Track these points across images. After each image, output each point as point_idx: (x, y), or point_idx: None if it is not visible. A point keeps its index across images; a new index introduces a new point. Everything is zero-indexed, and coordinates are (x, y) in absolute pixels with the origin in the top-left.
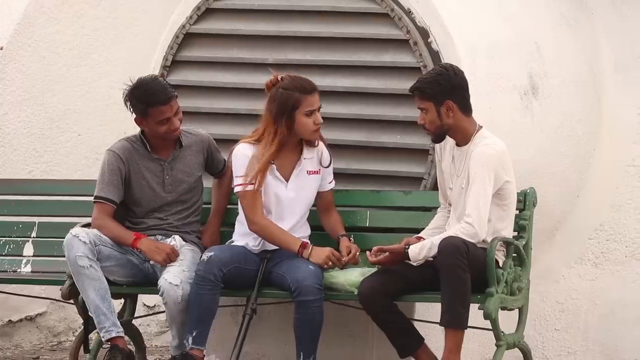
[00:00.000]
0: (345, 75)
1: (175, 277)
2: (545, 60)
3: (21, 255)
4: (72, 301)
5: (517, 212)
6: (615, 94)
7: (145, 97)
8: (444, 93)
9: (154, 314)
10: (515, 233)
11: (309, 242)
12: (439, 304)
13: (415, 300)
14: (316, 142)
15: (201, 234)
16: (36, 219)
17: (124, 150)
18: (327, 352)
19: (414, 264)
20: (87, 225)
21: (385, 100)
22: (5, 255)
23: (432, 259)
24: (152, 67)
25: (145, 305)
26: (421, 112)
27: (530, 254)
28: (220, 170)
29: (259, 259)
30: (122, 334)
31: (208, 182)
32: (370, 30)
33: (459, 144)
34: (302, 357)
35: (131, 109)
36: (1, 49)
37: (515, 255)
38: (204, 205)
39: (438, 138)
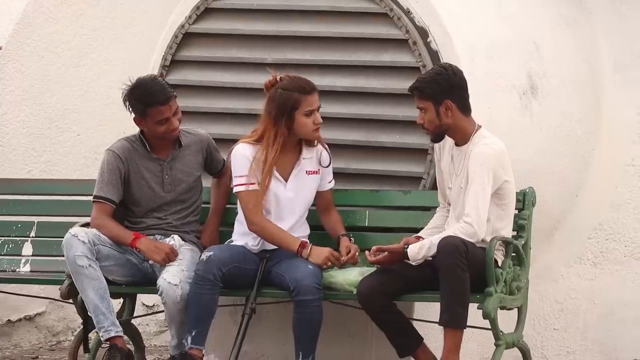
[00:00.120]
0: (344, 75)
1: (174, 277)
2: (544, 60)
3: (20, 255)
4: (71, 301)
5: (516, 211)
6: (615, 93)
7: (144, 97)
8: (443, 93)
9: (153, 313)
10: (515, 232)
11: (308, 241)
12: (438, 304)
13: (414, 299)
14: (315, 142)
15: (200, 234)
16: (35, 219)
17: (123, 150)
18: (326, 352)
19: (413, 263)
20: (86, 225)
21: (384, 99)
22: (4, 255)
23: (431, 258)
24: (151, 66)
25: (144, 304)
26: (420, 111)
27: (529, 254)
28: (219, 170)
29: (258, 259)
30: (121, 334)
31: (207, 182)
32: (369, 30)
33: (458, 143)
34: (301, 357)
35: (130, 109)
36: (0, 48)
37: (514, 254)
38: (203, 205)
39: (437, 138)
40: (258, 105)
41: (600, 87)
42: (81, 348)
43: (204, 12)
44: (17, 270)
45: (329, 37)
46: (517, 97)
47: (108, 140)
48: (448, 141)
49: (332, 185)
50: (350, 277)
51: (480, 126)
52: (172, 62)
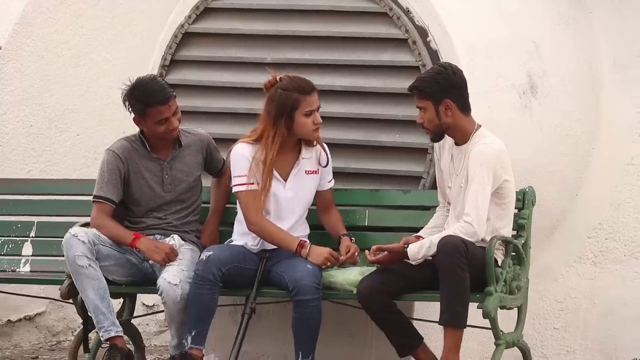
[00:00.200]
0: (343, 75)
1: (174, 277)
2: (544, 60)
3: (20, 255)
4: (71, 301)
5: (516, 211)
6: (614, 92)
7: (144, 97)
8: (443, 92)
9: (153, 313)
10: (514, 232)
11: (307, 241)
12: (438, 303)
13: (414, 299)
14: (314, 142)
15: (200, 234)
16: (35, 219)
17: (123, 149)
18: (326, 352)
19: (413, 263)
20: (86, 225)
21: (384, 99)
22: (4, 255)
23: (431, 258)
24: (150, 66)
25: (144, 304)
26: (420, 111)
27: (529, 253)
28: (219, 169)
29: (258, 259)
30: (121, 334)
31: (207, 182)
32: (368, 30)
33: (457, 143)
34: (300, 357)
35: (130, 109)
36: (0, 48)
37: (514, 254)
38: (202, 205)
39: (437, 137)
40: (258, 105)
41: (600, 87)
42: (81, 348)
43: (204, 12)
44: (17, 270)
45: (329, 36)
46: (516, 97)
47: (108, 140)
48: (448, 140)
49: (331, 184)
50: (350, 276)
51: (480, 125)
52: (172, 62)
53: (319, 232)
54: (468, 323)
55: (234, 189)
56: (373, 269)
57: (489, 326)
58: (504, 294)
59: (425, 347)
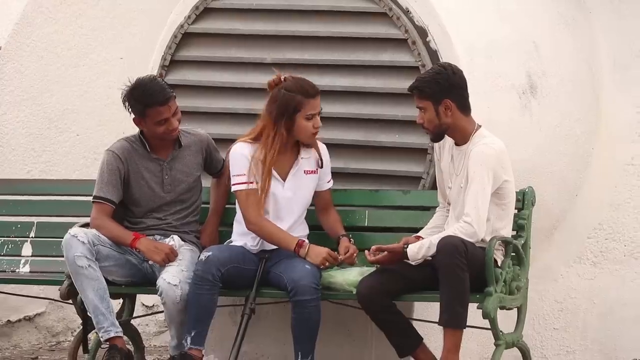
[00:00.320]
0: (343, 75)
1: (174, 277)
2: (544, 60)
3: (20, 255)
4: (70, 301)
5: (516, 211)
6: (614, 92)
7: (144, 97)
8: (442, 92)
9: (152, 313)
10: (514, 232)
11: (306, 240)
12: (438, 304)
13: (414, 299)
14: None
15: (200, 234)
16: (35, 219)
17: (123, 150)
18: (326, 352)
19: (413, 263)
20: (86, 225)
21: (383, 99)
22: (3, 256)
23: (430, 258)
24: (150, 67)
25: (144, 305)
26: (420, 111)
27: (529, 253)
28: (219, 170)
29: (257, 259)
30: (121, 334)
31: (207, 182)
32: (368, 30)
33: (457, 143)
34: (300, 357)
35: (129, 109)
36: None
37: (514, 254)
38: (202, 205)
39: (437, 137)
40: (257, 105)
41: (600, 86)
42: (81, 348)
43: (203, 12)
44: (17, 270)
45: (328, 36)
46: (516, 97)
47: (107, 141)
48: (448, 141)
49: (330, 185)
50: (349, 277)
51: (480, 126)
52: (172, 62)
53: (318, 232)
54: (468, 323)
55: (233, 188)
56: (373, 269)
57: (489, 326)
58: (504, 294)
59: (425, 348)
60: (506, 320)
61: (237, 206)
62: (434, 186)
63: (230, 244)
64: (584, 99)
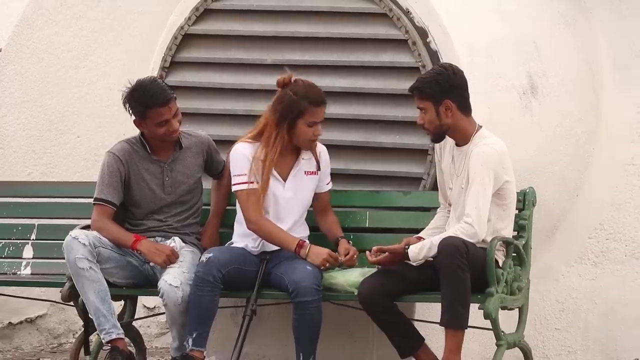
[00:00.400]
0: (343, 76)
1: (175, 279)
2: (544, 60)
3: (21, 258)
4: (72, 303)
5: (517, 211)
6: (614, 92)
7: (144, 99)
8: (443, 92)
9: (154, 315)
10: (515, 233)
11: (307, 241)
12: (439, 304)
13: (415, 300)
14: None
15: (201, 236)
16: (35, 221)
17: (123, 152)
18: (327, 353)
19: (414, 264)
20: (87, 227)
21: (383, 100)
22: (4, 258)
23: (432, 259)
24: (150, 68)
25: (145, 306)
26: (420, 111)
27: (530, 254)
28: (219, 171)
29: (258, 260)
30: (122, 336)
31: (207, 184)
32: (368, 31)
33: (458, 143)
34: (301, 358)
35: (130, 111)
36: (0, 50)
37: (515, 254)
38: (203, 207)
39: (437, 138)
40: (257, 106)
41: (600, 87)
42: (82, 350)
43: (203, 14)
44: (18, 272)
45: (328, 37)
46: (517, 97)
47: (108, 142)
48: (449, 141)
49: (329, 187)
50: (351, 278)
51: (480, 126)
52: (172, 64)
53: (318, 233)
54: (469, 324)
55: (234, 188)
56: (374, 270)
57: (490, 327)
58: (505, 294)
59: (426, 348)
60: (507, 321)
61: (237, 207)
62: (434, 187)
63: (231, 245)
64: (584, 99)
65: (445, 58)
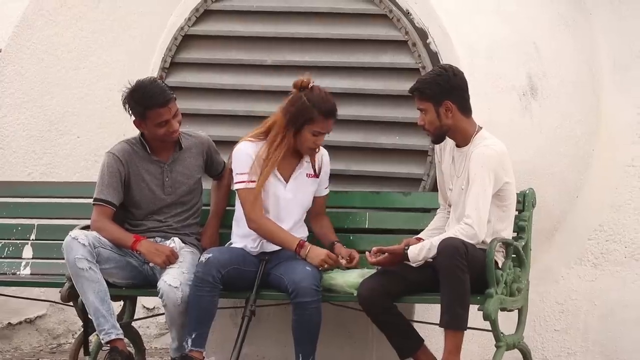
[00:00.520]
0: (343, 77)
1: (175, 279)
2: (544, 61)
3: (20, 258)
4: (71, 303)
5: (517, 212)
6: (614, 94)
7: (144, 99)
8: (443, 93)
9: (153, 316)
10: (515, 234)
11: (307, 241)
12: (439, 305)
13: (415, 301)
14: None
15: (200, 236)
16: (35, 222)
17: (123, 152)
18: (327, 354)
19: (414, 265)
20: (87, 228)
21: (383, 101)
22: (4, 258)
23: (431, 260)
24: (150, 69)
25: (144, 307)
26: (420, 112)
27: (529, 255)
28: (219, 172)
29: (257, 261)
30: (122, 336)
31: (207, 184)
32: (368, 32)
33: (458, 145)
34: (300, 359)
35: (130, 112)
36: (0, 51)
37: (514, 256)
38: (203, 207)
39: (437, 139)
40: (257, 107)
41: (600, 88)
42: (82, 351)
43: (203, 14)
44: (18, 273)
45: (328, 38)
46: (517, 98)
47: (108, 143)
48: (449, 142)
49: (327, 192)
50: (350, 278)
51: (481, 127)
52: (172, 65)
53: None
54: (468, 325)
55: (235, 187)
56: (373, 271)
57: (490, 328)
58: (505, 295)
59: (426, 350)
60: (507, 322)
61: (236, 206)
62: (434, 188)
63: (231, 245)
64: (584, 100)
65: (445, 59)
